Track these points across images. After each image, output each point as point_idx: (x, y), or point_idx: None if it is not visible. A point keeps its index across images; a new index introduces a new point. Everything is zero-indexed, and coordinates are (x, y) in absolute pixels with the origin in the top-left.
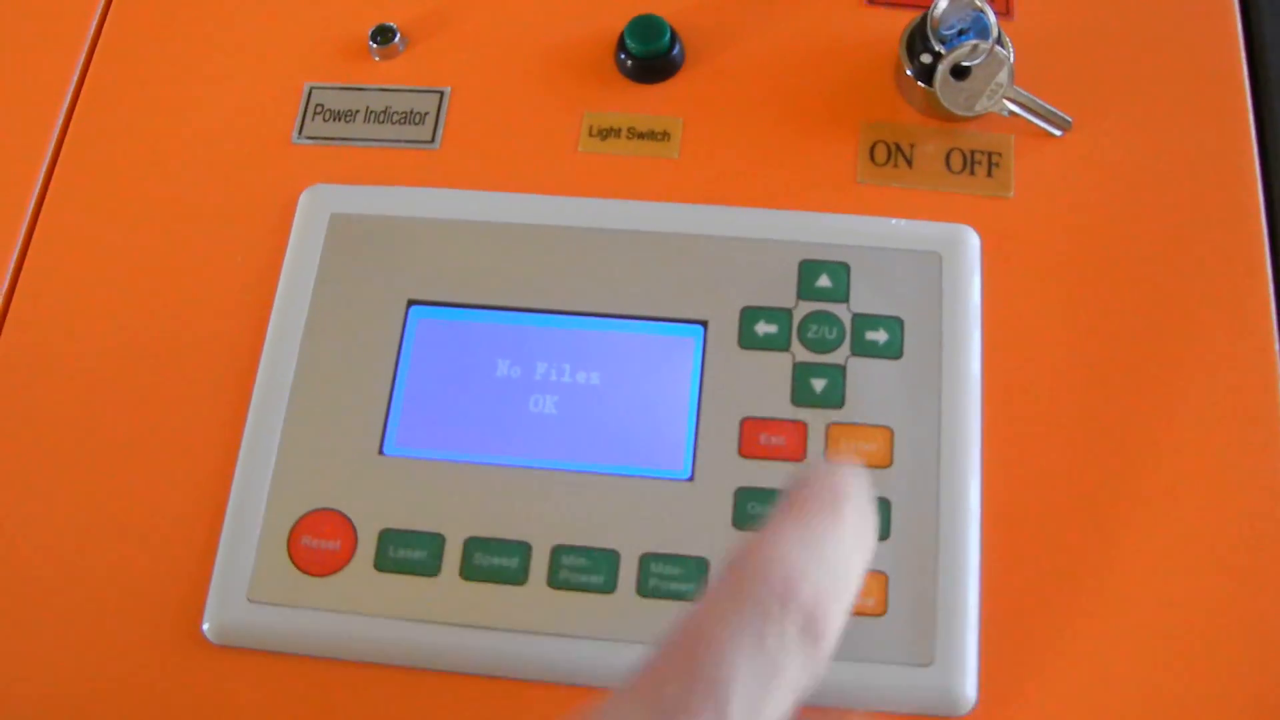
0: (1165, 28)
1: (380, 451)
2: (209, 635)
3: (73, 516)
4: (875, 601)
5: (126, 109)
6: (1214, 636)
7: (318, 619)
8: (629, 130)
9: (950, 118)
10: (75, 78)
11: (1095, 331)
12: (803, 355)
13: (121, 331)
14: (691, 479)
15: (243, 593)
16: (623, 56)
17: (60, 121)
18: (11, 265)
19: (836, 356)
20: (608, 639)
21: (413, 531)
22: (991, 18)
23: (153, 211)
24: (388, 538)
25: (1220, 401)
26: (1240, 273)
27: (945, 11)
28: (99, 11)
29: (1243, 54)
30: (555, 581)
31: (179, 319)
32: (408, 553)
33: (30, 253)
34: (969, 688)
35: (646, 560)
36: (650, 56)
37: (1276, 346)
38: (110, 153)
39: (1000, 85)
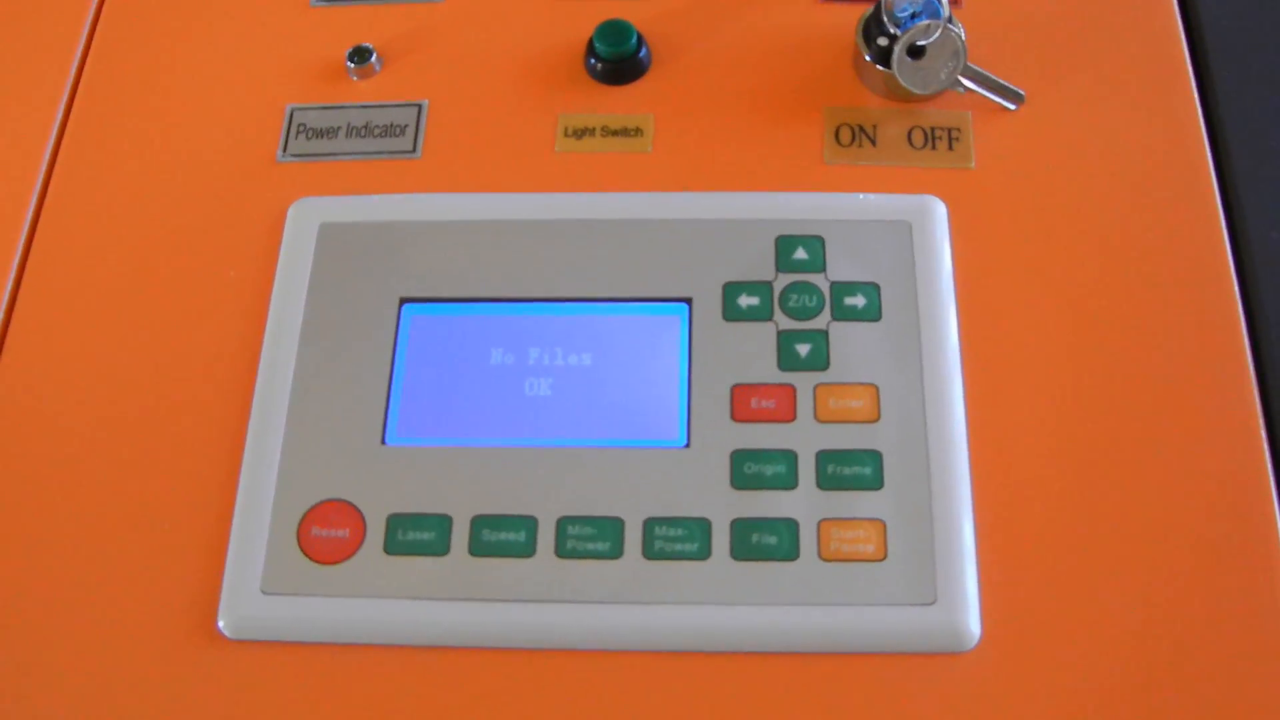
0: (1109, 3)
1: (383, 442)
2: (225, 630)
3: (86, 521)
4: (875, 548)
5: (115, 134)
6: (1209, 565)
7: (331, 606)
8: (603, 129)
9: (909, 98)
10: (63, 104)
11: (1059, 285)
12: (785, 323)
13: (125, 340)
14: (688, 445)
15: (256, 586)
16: (592, 61)
17: (51, 144)
18: (11, 277)
19: (818, 322)
20: (617, 602)
21: (420, 515)
22: None
23: (145, 231)
24: (396, 522)
25: (1183, 339)
26: (1192, 222)
27: None
28: (83, 41)
29: (1180, 27)
30: (563, 551)
31: (179, 327)
32: (416, 535)
33: (31, 260)
34: (972, 623)
35: (651, 524)
36: (618, 59)
37: (1235, 284)
38: (103, 174)
39: (955, 62)
